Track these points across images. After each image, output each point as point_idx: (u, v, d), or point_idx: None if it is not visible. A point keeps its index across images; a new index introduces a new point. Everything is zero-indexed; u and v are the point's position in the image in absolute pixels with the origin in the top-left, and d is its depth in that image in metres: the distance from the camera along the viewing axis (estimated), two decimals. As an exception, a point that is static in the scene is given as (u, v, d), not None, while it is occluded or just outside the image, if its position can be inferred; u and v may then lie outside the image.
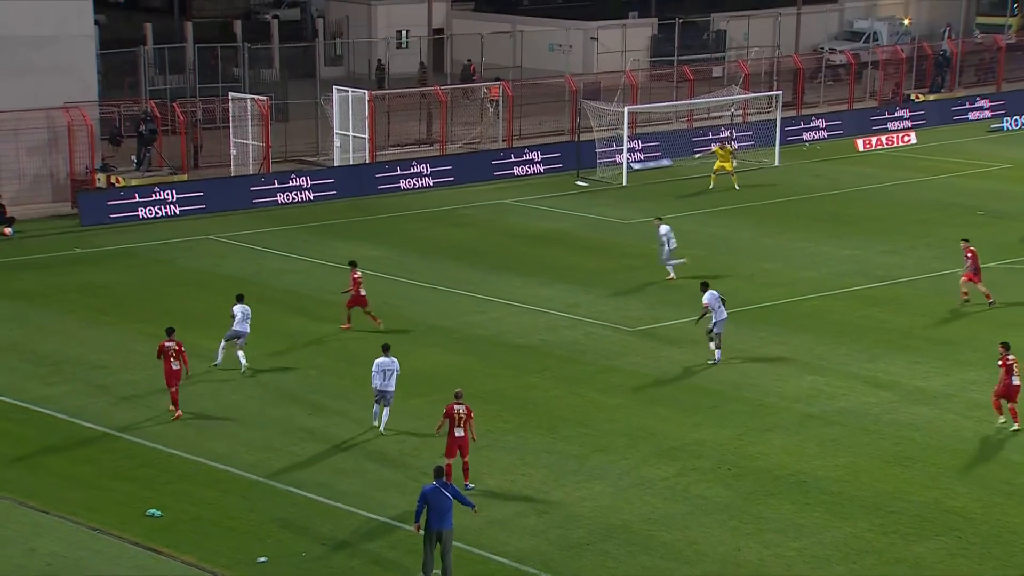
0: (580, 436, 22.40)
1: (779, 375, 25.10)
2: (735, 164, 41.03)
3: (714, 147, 41.76)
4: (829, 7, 67.81)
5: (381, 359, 22.35)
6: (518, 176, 43.76)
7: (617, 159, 43.29)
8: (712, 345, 25.60)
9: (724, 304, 25.57)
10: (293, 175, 40.74)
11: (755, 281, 31.34)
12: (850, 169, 44.44)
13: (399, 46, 60.31)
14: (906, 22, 64.84)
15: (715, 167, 40.95)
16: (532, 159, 44.37)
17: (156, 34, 54.13)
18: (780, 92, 47.46)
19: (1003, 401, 22.23)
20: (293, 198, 40.09)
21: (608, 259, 33.48)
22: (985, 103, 53.11)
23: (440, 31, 61.22)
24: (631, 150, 44.26)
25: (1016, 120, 51.23)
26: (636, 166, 44.36)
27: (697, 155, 44.74)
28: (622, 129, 42.95)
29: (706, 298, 25.61)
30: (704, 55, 58.42)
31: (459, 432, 20.08)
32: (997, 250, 33.28)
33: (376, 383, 22.24)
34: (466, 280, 31.63)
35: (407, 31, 61.23)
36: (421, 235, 36.07)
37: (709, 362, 25.44)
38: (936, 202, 38.75)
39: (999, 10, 65.99)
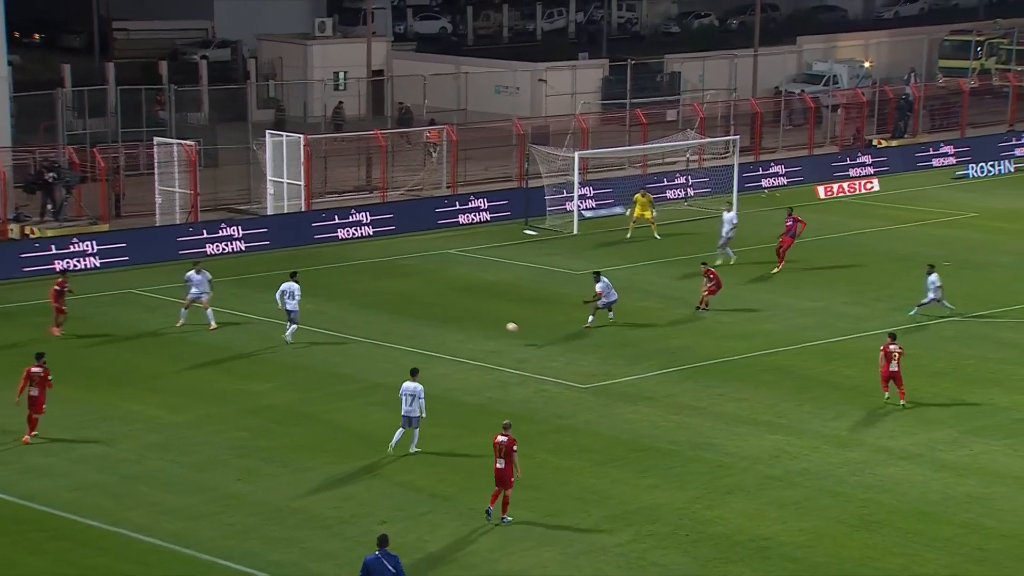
0: (530, 500, 22.37)
1: (739, 434, 25.27)
2: (654, 213, 41.44)
3: (636, 195, 42.28)
4: (787, 49, 69.10)
5: (406, 383, 23.81)
6: (463, 224, 43.92)
7: (567, 207, 43.59)
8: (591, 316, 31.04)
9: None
10: (223, 224, 40.60)
11: (714, 334, 31.60)
12: (811, 217, 44.94)
13: (336, 88, 60.57)
14: (867, 65, 66.18)
15: (634, 215, 41.38)
16: (478, 207, 44.57)
17: (75, 75, 53.97)
18: (738, 136, 48.14)
19: (891, 383, 26.22)
20: (223, 249, 39.92)
21: (559, 312, 33.62)
22: (949, 149, 54.21)
23: (380, 72, 61.60)
24: (582, 197, 44.60)
25: (982, 167, 52.34)
26: (587, 214, 44.68)
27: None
28: (572, 175, 43.30)
29: (599, 286, 30.89)
30: (658, 98, 59.21)
31: (500, 463, 20.96)
32: (964, 302, 33.84)
33: (402, 408, 23.73)
34: (409, 335, 31.61)
35: (345, 72, 61.55)
36: (361, 287, 36.03)
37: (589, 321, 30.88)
38: (900, 252, 39.38)
39: (961, 53, 67.61)
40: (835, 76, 64.77)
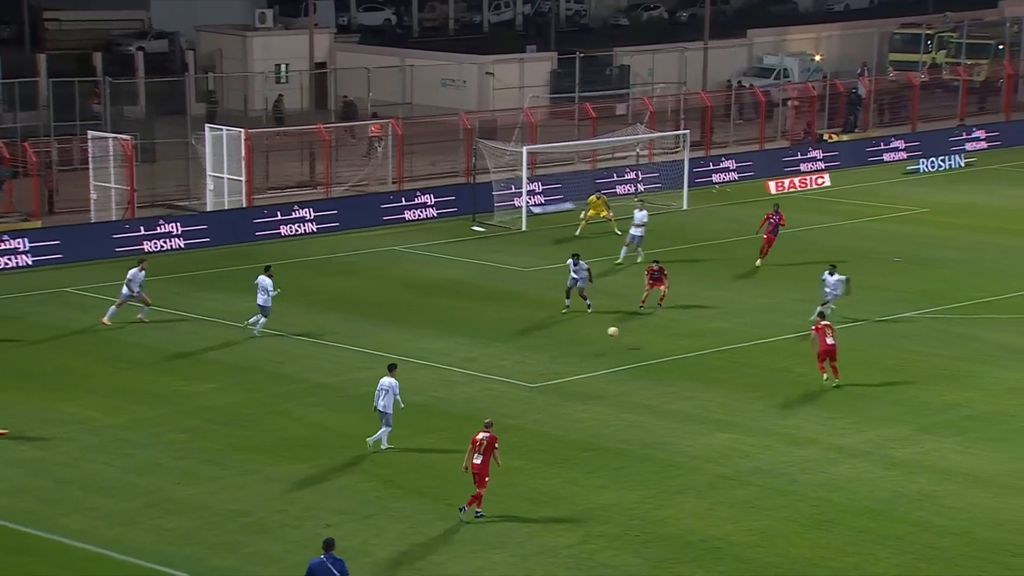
0: (477, 502, 22.36)
1: (690, 433, 25.43)
2: (611, 213, 41.62)
3: (591, 197, 42.42)
4: (737, 42, 69.57)
5: (383, 379, 24.10)
6: (409, 221, 43.83)
7: (516, 202, 43.63)
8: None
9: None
10: (161, 221, 40.25)
11: (664, 332, 31.78)
12: (761, 213, 45.30)
13: (278, 80, 60.21)
14: (817, 58, 66.76)
15: (588, 214, 41.51)
16: (424, 202, 44.50)
17: (4, 67, 53.19)
18: (688, 131, 48.41)
19: (826, 362, 27.21)
20: (161, 246, 39.57)
21: (507, 309, 33.66)
22: (900, 144, 54.85)
23: (323, 65, 61.29)
24: (531, 193, 44.66)
25: (932, 162, 53.00)
26: (536, 210, 44.74)
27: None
28: (521, 170, 43.34)
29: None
30: (607, 91, 59.39)
31: (477, 459, 21.26)
32: (916, 298, 34.27)
33: (376, 403, 24.07)
34: (354, 334, 31.50)
35: (287, 65, 61.17)
36: (303, 285, 35.86)
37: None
38: (851, 248, 39.78)
39: (912, 47, 68.40)
40: (786, 70, 65.30)
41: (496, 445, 21.56)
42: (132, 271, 31.69)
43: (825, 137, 55.48)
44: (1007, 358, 29.52)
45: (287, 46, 62.12)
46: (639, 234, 37.60)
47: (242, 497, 22.42)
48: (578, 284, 32.86)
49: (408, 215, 44.07)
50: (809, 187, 49.52)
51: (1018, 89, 63.77)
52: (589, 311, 32.69)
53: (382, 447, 24.33)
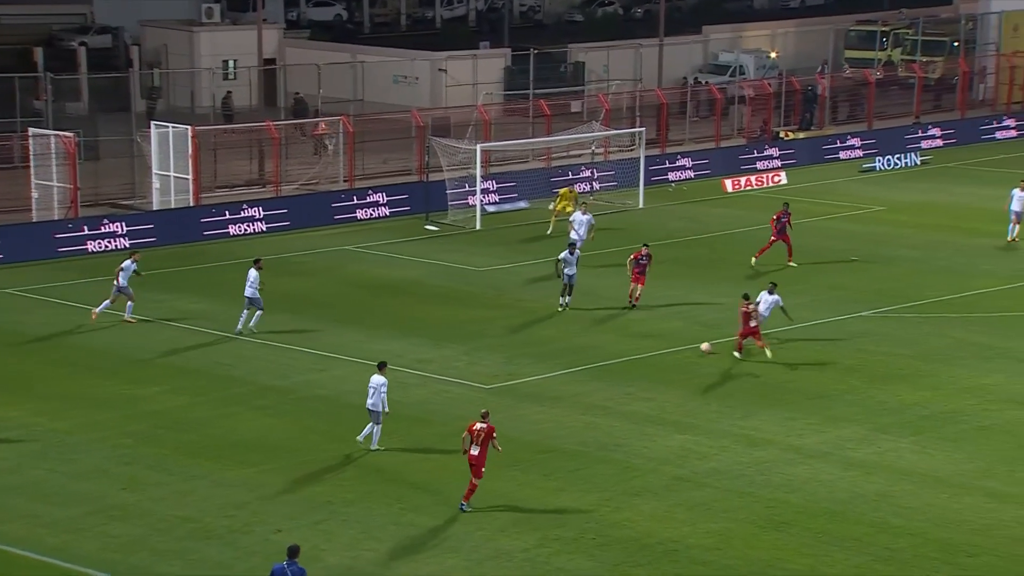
0: (431, 505, 22.37)
1: (646, 434, 25.54)
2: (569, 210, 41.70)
3: (562, 189, 42.43)
4: (693, 39, 69.95)
5: (373, 376, 24.30)
6: (361, 220, 43.72)
7: (470, 201, 43.64)
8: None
9: None
10: (105, 220, 39.90)
11: (621, 332, 31.89)
12: (718, 211, 45.71)
13: (226, 77, 59.84)
14: (773, 55, 67.23)
15: (556, 208, 41.55)
16: (376, 201, 44.41)
17: (-59, 63, 52.63)
18: (643, 128, 48.61)
19: (746, 341, 28.98)
20: (106, 246, 39.23)
21: (461, 310, 33.65)
22: (856, 141, 55.37)
23: (272, 61, 60.99)
24: (485, 191, 44.69)
25: (888, 159, 53.54)
26: (491, 208, 44.78)
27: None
28: (474, 168, 43.35)
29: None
30: (562, 88, 59.54)
31: (475, 450, 21.69)
32: (873, 297, 34.60)
33: (367, 400, 24.25)
34: (305, 335, 31.37)
35: (234, 61, 60.82)
36: (252, 286, 35.59)
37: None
38: (808, 247, 40.07)
39: (867, 44, 69.07)
40: (741, 67, 65.72)
41: (494, 434, 21.92)
42: (125, 263, 31.68)
43: (781, 135, 55.91)
44: (963, 357, 29.87)
45: (235, 42, 61.75)
46: (583, 237, 36.52)
47: (189, 503, 22.28)
48: (572, 279, 32.83)
49: (360, 214, 43.96)
50: (766, 185, 49.87)
51: (973, 86, 64.56)
52: (562, 310, 32.65)
53: (372, 447, 24.36)
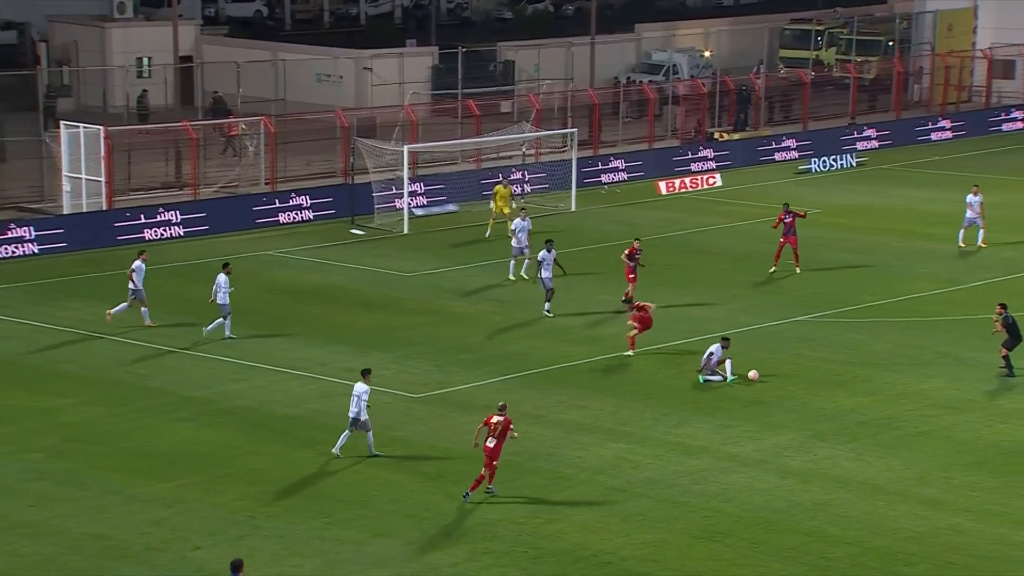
0: (358, 519, 22.29)
1: (580, 443, 25.64)
2: (513, 207, 41.78)
3: (497, 186, 42.45)
4: (625, 37, 70.37)
5: (356, 384, 24.50)
6: (284, 224, 43.46)
7: (397, 204, 43.54)
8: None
9: None
10: (12, 225, 39.33)
11: (554, 339, 32.00)
12: (652, 214, 46.01)
13: (140, 75, 59.19)
14: (707, 54, 67.83)
15: (495, 209, 41.60)
16: (300, 204, 44.18)
17: None
18: (575, 129, 48.82)
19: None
20: (13, 252, 38.65)
21: (388, 317, 33.58)
22: (791, 143, 56.00)
23: (188, 59, 60.44)
24: (412, 194, 44.62)
25: (824, 161, 54.24)
26: (419, 212, 44.71)
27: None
28: (402, 170, 43.27)
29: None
30: (491, 88, 59.62)
31: (491, 442, 22.56)
32: (810, 302, 35.01)
33: (350, 409, 24.50)
34: (225, 343, 31.13)
35: (149, 58, 60.19)
36: (171, 292, 35.32)
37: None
38: (743, 250, 40.48)
39: (802, 43, 69.94)
40: (675, 66, 66.21)
41: (512, 427, 22.67)
42: (136, 263, 31.75)
43: (716, 136, 56.40)
44: (900, 362, 30.33)
45: (149, 38, 61.10)
46: (520, 245, 36.35)
47: (102, 520, 22.01)
48: (547, 282, 32.90)
49: (282, 218, 43.70)
50: (700, 187, 50.25)
51: (908, 87, 65.60)
52: (548, 313, 33.03)
53: (370, 453, 24.61)
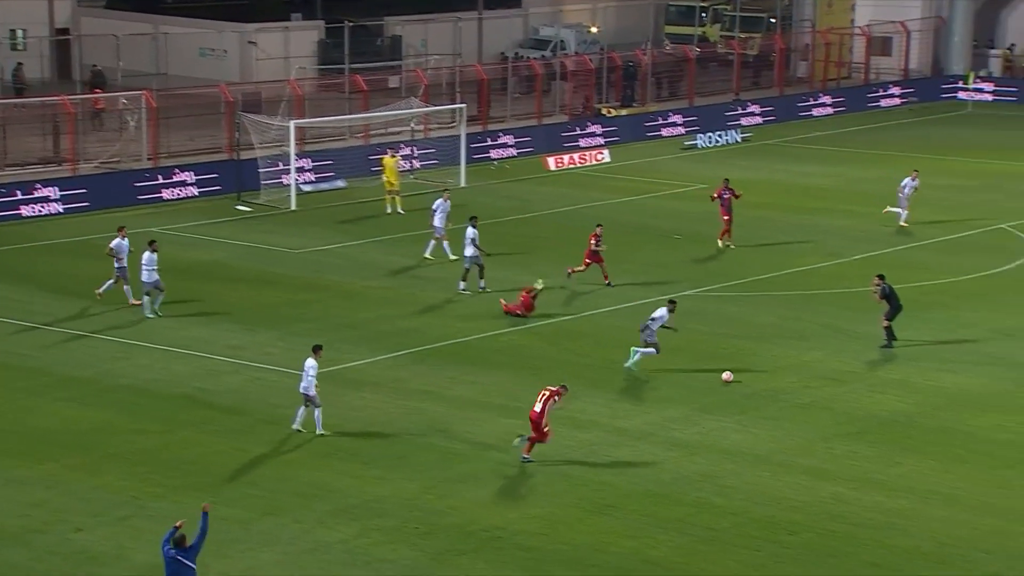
0: (246, 498, 22.06)
1: (471, 419, 25.67)
2: (399, 185, 41.59)
3: (383, 157, 42.22)
4: (513, 12, 70.33)
5: (306, 359, 24.37)
6: (167, 200, 42.75)
7: (284, 180, 43.08)
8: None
9: None
10: None
11: (445, 315, 31.95)
12: (541, 189, 46.16)
13: (14, 47, 57.60)
14: (593, 30, 68.13)
15: (386, 181, 41.36)
16: (184, 180, 43.49)
17: None
18: (464, 105, 48.71)
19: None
20: None
21: (277, 294, 33.23)
22: (678, 118, 56.57)
23: (65, 31, 58.97)
24: (300, 170, 44.18)
25: (710, 136, 54.88)
26: (306, 188, 44.30)
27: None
28: (288, 146, 42.79)
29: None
30: (379, 63, 59.20)
31: (536, 407, 23.21)
32: (697, 276, 35.44)
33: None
34: (108, 322, 30.56)
35: (23, 30, 58.60)
36: (50, 270, 34.54)
37: None
38: (632, 225, 40.81)
39: (687, 19, 70.55)
40: (562, 42, 66.39)
41: (556, 397, 23.33)
42: (115, 242, 31.20)
43: (603, 112, 56.72)
44: (784, 335, 30.85)
45: (23, 9, 59.44)
46: (440, 225, 35.96)
47: (-10, 506, 21.49)
48: (476, 259, 32.71)
49: (166, 194, 42.98)
50: (589, 163, 50.55)
51: (790, 63, 66.62)
52: (465, 291, 32.93)
53: (317, 431, 24.27)
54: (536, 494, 22.50)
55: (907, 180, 40.45)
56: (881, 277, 29.81)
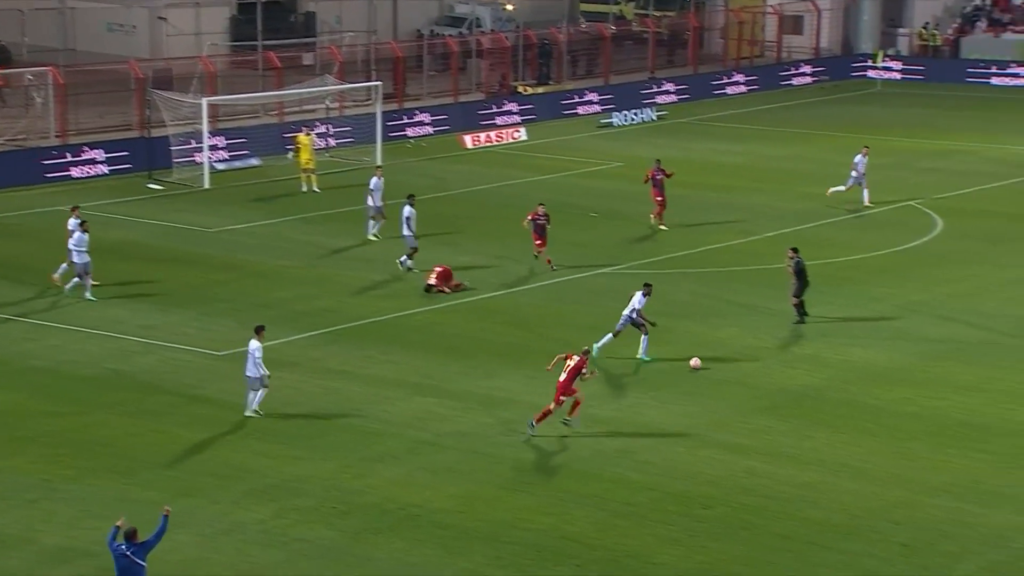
0: (161, 479, 21.87)
1: (387, 398, 25.64)
2: (314, 163, 41.38)
3: (298, 135, 41.92)
4: (429, -11, 70.02)
5: (250, 341, 24.17)
6: (77, 178, 42.10)
7: (197, 158, 42.59)
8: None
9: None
10: None
11: (360, 294, 31.84)
12: (458, 168, 46.12)
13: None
14: (509, 7, 68.10)
15: (301, 161, 41.11)
16: (93, 158, 42.84)
17: None
18: (379, 83, 48.47)
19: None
20: None
21: (190, 273, 32.89)
22: (594, 96, 56.78)
23: (-33, 5, 57.69)
24: (213, 147, 43.69)
25: (626, 115, 55.16)
26: (220, 166, 43.85)
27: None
28: (201, 123, 42.29)
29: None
30: (292, 40, 58.67)
31: (561, 376, 23.52)
32: (615, 253, 35.66)
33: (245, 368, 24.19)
34: (15, 302, 30.06)
35: (-81, 3, 57.25)
36: (-45, 251, 33.86)
37: None
38: (549, 203, 40.86)
39: (603, -3, 70.80)
40: (478, 19, 66.27)
41: (583, 368, 23.59)
42: (71, 221, 30.71)
43: (520, 89, 56.74)
44: (699, 312, 31.17)
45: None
46: (377, 204, 35.75)
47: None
48: (409, 239, 32.58)
49: (75, 172, 42.31)
50: (506, 141, 50.59)
51: (704, 42, 67.14)
52: (411, 269, 32.72)
53: (248, 411, 24.14)
54: (453, 472, 22.56)
55: (859, 157, 40.33)
56: (795, 251, 30.19)
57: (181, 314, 29.73)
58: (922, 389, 26.38)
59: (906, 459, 23.20)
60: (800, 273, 29.90)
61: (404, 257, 33.03)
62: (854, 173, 40.40)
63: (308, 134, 41.87)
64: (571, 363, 23.72)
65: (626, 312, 27.67)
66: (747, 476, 22.49)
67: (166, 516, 17.38)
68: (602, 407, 25.39)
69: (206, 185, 41.68)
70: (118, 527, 17.10)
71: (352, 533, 20.39)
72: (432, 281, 31.41)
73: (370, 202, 35.80)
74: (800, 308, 29.94)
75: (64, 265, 30.83)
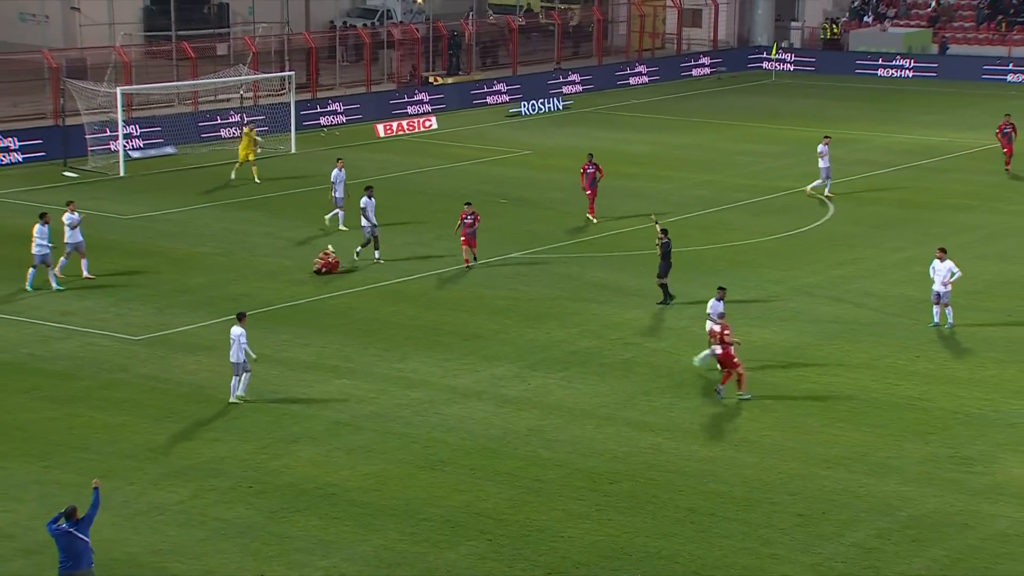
0: (78, 462, 21.50)
1: (304, 380, 25.45)
2: (258, 151, 41.03)
3: (245, 128, 41.50)
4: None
5: (232, 327, 23.89)
6: (-9, 166, 41.13)
7: (112, 146, 41.87)
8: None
9: None
10: None
11: (277, 279, 31.54)
12: (371, 156, 45.87)
13: None
14: (419, 0, 67.86)
15: (241, 155, 40.64)
16: (7, 146, 41.98)
17: None
18: (293, 73, 48.03)
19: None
20: None
21: (106, 259, 32.32)
22: (503, 87, 56.80)
23: None
24: (128, 136, 42.98)
25: (533, 104, 55.25)
26: (135, 154, 43.17)
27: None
28: (116, 112, 41.57)
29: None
30: (206, 30, 57.85)
31: (719, 349, 24.45)
32: (524, 239, 35.71)
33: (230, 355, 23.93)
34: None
35: None
36: None
37: None
38: (459, 190, 40.86)
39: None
40: (389, 11, 65.92)
41: (727, 332, 24.29)
42: (66, 215, 29.84)
43: (430, 80, 56.57)
44: (605, 295, 31.34)
45: None
46: (339, 195, 35.38)
47: None
48: (375, 229, 32.06)
49: (-11, 160, 41.34)
50: (417, 130, 50.44)
51: (608, 34, 67.44)
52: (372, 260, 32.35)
53: (232, 397, 23.82)
54: (370, 452, 22.46)
55: (821, 147, 39.75)
56: (665, 232, 30.43)
57: (98, 300, 29.22)
58: (815, 367, 26.78)
59: (801, 433, 23.55)
60: (666, 255, 30.10)
61: (360, 248, 32.72)
62: (822, 163, 39.88)
63: (252, 129, 41.38)
64: (714, 332, 24.53)
65: (709, 322, 25.73)
66: (653, 452, 22.69)
67: (97, 489, 17.10)
68: (513, 387, 25.44)
69: (122, 173, 41.00)
70: (62, 513, 16.80)
71: (270, 512, 20.22)
72: (320, 268, 31.30)
73: (336, 193, 35.34)
74: (665, 289, 30.15)
75: (64, 259, 30.22)
